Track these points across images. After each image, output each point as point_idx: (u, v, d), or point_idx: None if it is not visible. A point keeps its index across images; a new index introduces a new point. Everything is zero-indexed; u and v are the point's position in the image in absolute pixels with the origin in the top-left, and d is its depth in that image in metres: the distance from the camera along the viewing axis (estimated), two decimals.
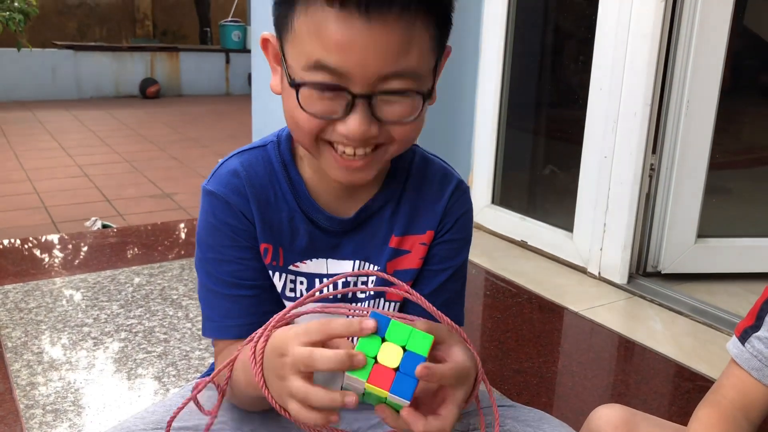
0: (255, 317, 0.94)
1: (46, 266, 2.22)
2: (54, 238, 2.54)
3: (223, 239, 0.93)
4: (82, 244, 2.46)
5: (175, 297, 1.98)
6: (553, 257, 2.38)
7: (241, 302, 0.94)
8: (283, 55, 0.81)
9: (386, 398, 0.69)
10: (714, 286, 2.16)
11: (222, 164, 0.95)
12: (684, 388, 1.59)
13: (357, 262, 0.96)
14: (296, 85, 0.79)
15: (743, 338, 0.93)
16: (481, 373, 0.80)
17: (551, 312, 1.99)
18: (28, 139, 5.23)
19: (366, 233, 0.96)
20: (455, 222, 0.99)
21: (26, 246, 2.42)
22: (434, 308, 0.79)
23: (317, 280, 0.95)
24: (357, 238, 0.96)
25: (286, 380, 0.72)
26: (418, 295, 0.80)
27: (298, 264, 0.95)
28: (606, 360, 1.77)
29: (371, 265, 0.96)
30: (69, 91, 7.40)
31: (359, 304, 0.97)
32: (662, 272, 2.18)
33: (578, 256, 2.30)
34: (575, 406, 1.52)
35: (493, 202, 2.64)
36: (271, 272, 0.95)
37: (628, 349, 1.80)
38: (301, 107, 0.80)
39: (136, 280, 2.10)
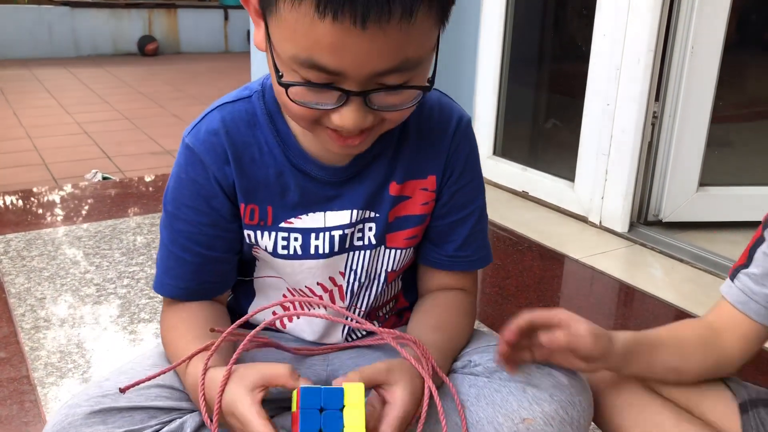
0: (192, 284, 0.93)
1: (48, 216, 2.22)
2: (55, 189, 2.54)
3: (184, 196, 0.90)
4: (83, 195, 2.46)
5: None
6: (554, 207, 2.38)
7: (183, 265, 0.92)
8: (268, 33, 0.74)
9: None
10: (714, 234, 2.16)
11: (204, 117, 0.91)
12: None
13: (357, 211, 0.93)
14: (284, 86, 0.75)
15: (733, 276, 0.94)
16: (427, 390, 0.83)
17: (552, 260, 1.99)
18: (26, 97, 5.19)
19: (364, 181, 0.92)
20: (465, 163, 0.96)
21: (27, 197, 2.43)
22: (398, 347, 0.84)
23: (313, 235, 0.93)
24: (355, 187, 0.92)
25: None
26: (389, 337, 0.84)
27: (291, 220, 0.92)
28: (606, 305, 1.78)
29: (371, 213, 0.94)
30: (66, 49, 7.32)
31: (356, 253, 0.95)
32: (663, 221, 2.18)
33: (579, 206, 2.29)
34: None
35: (494, 153, 2.62)
36: (258, 233, 0.93)
37: (628, 294, 1.81)
38: (292, 101, 0.76)
39: (138, 229, 2.10)
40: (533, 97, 2.85)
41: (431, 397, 0.85)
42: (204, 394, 0.81)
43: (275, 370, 0.78)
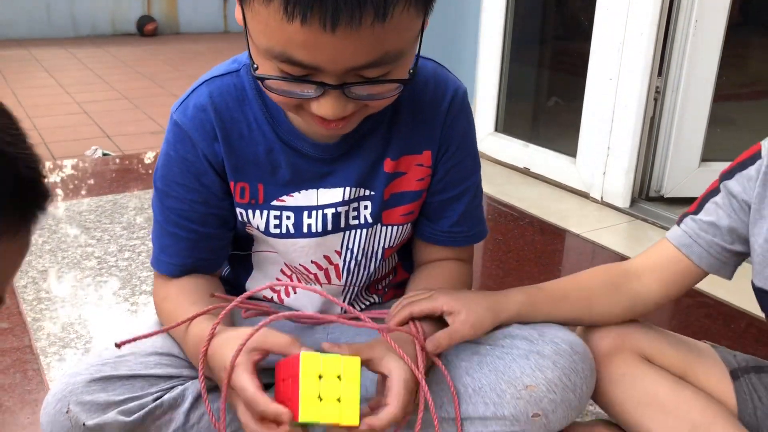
0: (188, 261, 0.93)
1: None
2: (56, 164, 2.53)
3: (174, 174, 0.89)
4: (84, 171, 2.45)
5: None
6: (555, 183, 2.37)
7: (178, 242, 0.92)
8: (245, 20, 0.73)
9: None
10: None
11: (192, 91, 0.89)
12: (684, 304, 1.61)
13: (350, 188, 0.91)
14: (260, 78, 0.74)
15: (680, 221, 0.94)
16: (422, 384, 0.83)
17: (553, 234, 1.99)
18: (25, 77, 5.16)
19: (357, 157, 0.90)
20: (460, 137, 0.94)
21: None
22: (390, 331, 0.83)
23: (306, 213, 0.91)
24: (348, 164, 0.90)
25: (230, 397, 0.78)
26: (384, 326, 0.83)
27: (283, 198, 0.91)
28: None
29: (365, 191, 0.92)
30: (65, 29, 7.27)
31: (353, 232, 0.95)
32: (665, 196, 2.18)
33: (581, 182, 2.29)
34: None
35: (496, 129, 2.61)
36: (249, 212, 0.92)
37: None
38: (270, 91, 0.76)
39: (138, 204, 2.10)
40: (535, 74, 2.83)
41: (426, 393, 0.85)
42: (206, 352, 0.81)
43: (277, 338, 0.78)
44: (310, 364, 0.74)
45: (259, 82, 0.76)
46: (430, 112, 0.91)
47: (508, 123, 2.63)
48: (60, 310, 1.48)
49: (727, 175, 0.91)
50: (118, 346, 0.87)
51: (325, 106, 0.74)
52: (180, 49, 6.78)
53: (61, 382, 0.87)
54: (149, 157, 2.70)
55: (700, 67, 2.05)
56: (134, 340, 0.89)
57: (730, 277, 0.94)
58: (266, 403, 0.73)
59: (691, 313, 1.56)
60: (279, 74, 0.72)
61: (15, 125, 0.46)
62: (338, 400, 0.74)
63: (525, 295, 0.94)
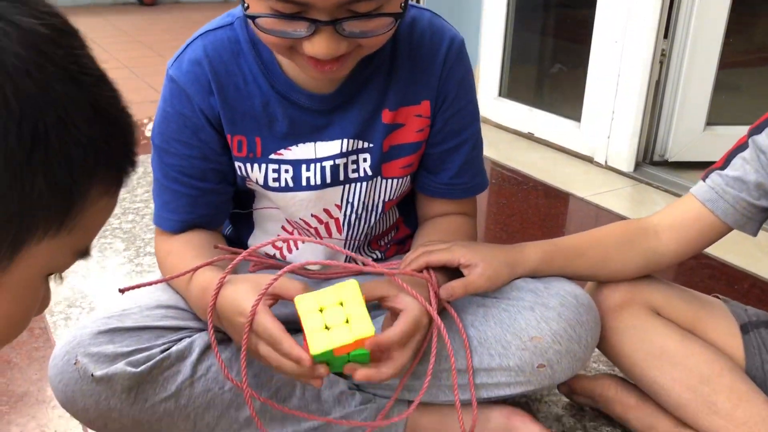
0: (190, 217, 0.93)
1: None
2: None
3: (172, 130, 0.89)
4: None
5: None
6: (559, 148, 2.36)
7: (179, 198, 0.92)
8: None
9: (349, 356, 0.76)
10: None
11: (187, 46, 0.89)
12: (687, 266, 1.61)
13: (348, 140, 0.91)
14: (251, 17, 0.74)
15: (705, 177, 0.94)
16: (435, 321, 0.84)
17: (557, 198, 1.99)
18: None
19: (354, 109, 0.90)
20: (458, 86, 0.93)
21: None
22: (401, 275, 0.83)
23: (304, 166, 0.91)
24: (345, 115, 0.90)
25: (251, 341, 0.78)
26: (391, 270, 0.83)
27: (281, 152, 0.91)
28: None
29: (364, 143, 0.92)
30: None
31: (353, 185, 0.94)
32: (669, 160, 2.16)
33: (585, 146, 2.28)
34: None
35: (500, 94, 2.59)
36: (248, 165, 0.91)
37: None
38: (262, 31, 0.75)
39: (141, 168, 2.09)
40: (539, 41, 2.81)
41: (440, 332, 0.86)
42: (215, 300, 0.81)
43: (288, 283, 0.78)
44: (306, 303, 0.75)
45: (251, 23, 0.75)
46: (427, 62, 0.91)
47: (512, 88, 2.61)
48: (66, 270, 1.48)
49: (756, 130, 0.90)
50: (121, 291, 0.88)
51: (317, 45, 0.73)
52: (180, 18, 6.73)
53: (69, 335, 0.88)
54: (151, 125, 2.69)
55: (706, 29, 2.03)
56: (138, 287, 0.89)
57: (755, 233, 0.94)
58: (291, 345, 0.73)
59: (695, 274, 1.57)
60: (270, 12, 0.72)
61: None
62: (347, 321, 0.74)
63: (542, 253, 0.94)
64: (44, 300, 0.47)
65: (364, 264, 0.87)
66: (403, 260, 0.91)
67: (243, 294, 0.78)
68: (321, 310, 0.75)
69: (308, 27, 0.72)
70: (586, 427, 1.05)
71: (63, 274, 0.47)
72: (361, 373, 0.77)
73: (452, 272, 0.90)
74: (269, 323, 0.75)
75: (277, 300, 0.79)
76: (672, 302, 0.97)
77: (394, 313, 0.83)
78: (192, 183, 0.91)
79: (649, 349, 0.94)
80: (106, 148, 0.42)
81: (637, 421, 1.00)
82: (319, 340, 0.73)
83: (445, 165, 0.97)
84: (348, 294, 0.76)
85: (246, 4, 0.74)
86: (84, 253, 0.46)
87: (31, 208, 0.39)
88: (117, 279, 1.46)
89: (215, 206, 0.95)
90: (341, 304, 0.75)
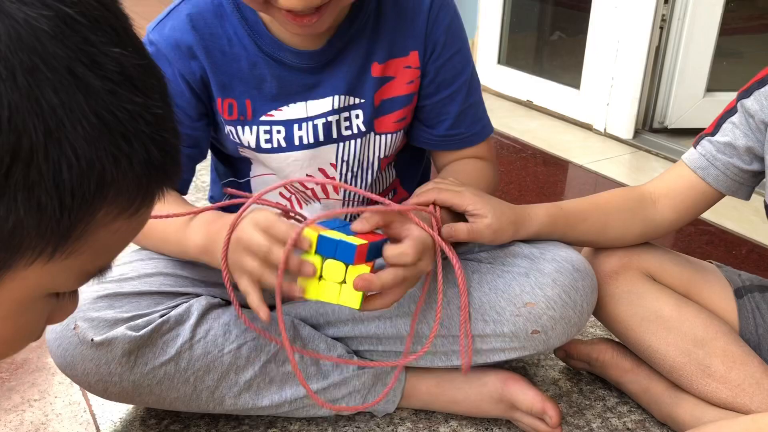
0: None
1: None
2: None
3: None
4: None
5: None
6: (558, 116, 2.35)
7: None
8: None
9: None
10: None
11: (170, 12, 0.87)
12: (686, 232, 1.61)
13: (339, 97, 0.90)
14: None
15: (697, 143, 0.93)
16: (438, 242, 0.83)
17: (555, 165, 1.98)
18: None
19: (344, 64, 0.89)
20: (446, 33, 0.92)
21: None
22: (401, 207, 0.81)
23: (296, 126, 0.91)
24: (335, 72, 0.89)
25: (242, 257, 0.75)
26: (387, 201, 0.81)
27: (272, 113, 0.90)
28: None
29: (355, 99, 0.91)
30: None
31: (346, 143, 0.94)
32: (669, 127, 2.15)
33: (584, 113, 2.27)
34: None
35: (499, 62, 2.57)
36: (239, 129, 0.90)
37: None
38: None
39: None
40: (539, 7, 2.77)
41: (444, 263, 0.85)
42: (228, 241, 0.78)
43: (282, 219, 0.76)
44: (326, 243, 0.74)
45: None
46: (412, 11, 0.90)
47: (511, 56, 2.59)
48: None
49: (745, 93, 0.89)
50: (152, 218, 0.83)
51: None
52: None
53: None
54: None
55: None
56: (168, 216, 0.83)
57: (747, 197, 0.94)
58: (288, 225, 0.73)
59: (693, 241, 1.57)
60: None
61: (162, 99, 0.38)
62: (343, 281, 0.74)
63: (547, 217, 0.93)
64: (57, 313, 0.42)
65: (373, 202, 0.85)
66: (413, 194, 0.90)
67: (269, 215, 0.77)
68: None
69: None
70: (582, 391, 1.06)
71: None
72: (391, 251, 0.76)
73: (458, 216, 0.89)
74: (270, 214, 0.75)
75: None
76: (667, 268, 0.97)
77: (397, 241, 0.81)
78: None
79: (644, 314, 0.94)
80: (115, 170, 0.35)
81: (633, 384, 1.01)
82: (311, 288, 0.74)
83: (441, 117, 0.96)
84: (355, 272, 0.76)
85: None
86: (101, 272, 0.41)
87: (9, 236, 0.34)
88: None
89: (185, 170, 0.93)
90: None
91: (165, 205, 0.85)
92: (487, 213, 0.86)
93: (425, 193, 0.88)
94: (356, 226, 0.78)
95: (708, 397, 0.91)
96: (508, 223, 0.89)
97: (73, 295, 0.42)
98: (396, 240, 0.80)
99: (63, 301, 0.41)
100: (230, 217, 0.79)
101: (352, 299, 0.75)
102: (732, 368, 0.89)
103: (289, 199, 1.00)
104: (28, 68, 0.32)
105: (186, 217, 0.84)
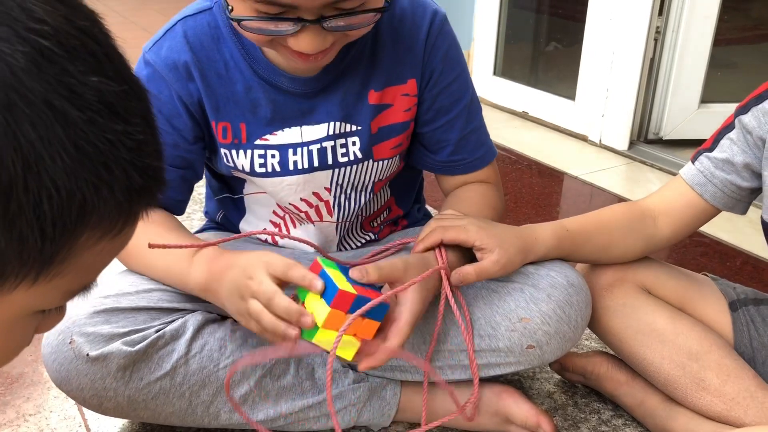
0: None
1: None
2: None
3: None
4: None
5: None
6: (554, 127, 2.36)
7: None
8: None
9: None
10: None
11: (166, 32, 0.88)
12: (681, 243, 1.61)
13: (335, 123, 0.90)
14: (236, 20, 0.74)
15: (695, 159, 0.94)
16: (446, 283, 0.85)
17: (551, 177, 1.99)
18: None
19: (340, 91, 0.89)
20: (443, 61, 0.92)
21: None
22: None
23: (291, 151, 0.91)
24: (330, 98, 0.89)
25: (246, 301, 0.77)
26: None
27: (267, 137, 0.90)
28: None
29: (352, 126, 0.91)
30: None
31: (342, 169, 0.94)
32: (663, 138, 2.16)
33: (580, 124, 2.28)
34: None
35: (494, 73, 2.58)
36: (233, 152, 0.91)
37: None
38: (246, 31, 0.75)
39: None
40: (534, 19, 2.79)
41: (447, 301, 0.86)
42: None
43: (295, 267, 0.77)
44: (328, 267, 0.76)
45: (235, 23, 0.75)
46: (410, 39, 0.90)
47: (506, 67, 2.60)
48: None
49: (742, 109, 0.90)
50: (150, 246, 0.82)
51: (303, 42, 0.74)
52: (174, 0, 6.68)
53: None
54: None
55: (701, 6, 2.02)
56: (166, 246, 0.83)
57: (744, 212, 0.95)
58: (290, 302, 0.74)
59: (687, 252, 1.58)
60: (255, 14, 0.72)
61: (144, 121, 0.38)
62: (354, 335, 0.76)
63: (554, 239, 0.93)
64: (45, 324, 0.43)
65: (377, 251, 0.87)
66: (419, 233, 0.90)
67: (258, 261, 0.78)
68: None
69: (294, 25, 0.72)
70: (577, 404, 1.06)
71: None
72: (366, 363, 0.79)
73: (465, 250, 0.89)
74: (269, 282, 0.76)
75: (285, 286, 0.78)
76: (662, 281, 0.98)
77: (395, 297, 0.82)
78: None
79: (639, 327, 0.94)
80: (96, 198, 0.35)
81: (628, 397, 1.01)
82: (308, 330, 0.75)
83: (441, 143, 0.97)
84: (367, 330, 0.78)
85: (230, 6, 0.74)
86: (86, 289, 0.41)
87: None
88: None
89: (182, 192, 0.94)
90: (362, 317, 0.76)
91: (166, 232, 0.87)
92: (494, 247, 0.86)
93: (430, 235, 0.87)
94: (354, 274, 0.78)
95: (702, 410, 0.91)
96: (516, 252, 0.88)
97: (60, 308, 0.43)
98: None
99: (50, 314, 0.42)
100: (231, 255, 0.81)
101: (347, 351, 0.76)
102: (726, 381, 0.89)
103: (282, 218, 1.01)
104: (5, 105, 0.32)
105: (188, 249, 0.85)
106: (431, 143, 0.97)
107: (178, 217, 0.95)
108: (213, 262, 0.82)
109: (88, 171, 0.34)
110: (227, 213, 1.06)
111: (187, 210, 0.98)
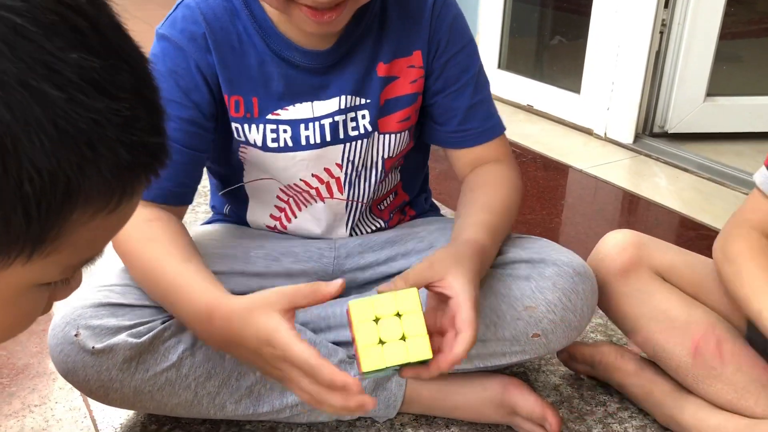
0: (172, 185, 0.87)
1: None
2: None
3: (162, 90, 0.83)
4: None
5: None
6: (559, 120, 2.35)
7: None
8: None
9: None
10: (721, 145, 2.13)
11: (178, 6, 0.87)
12: (687, 237, 1.61)
13: (346, 97, 0.91)
14: None
15: None
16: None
17: (555, 170, 1.98)
18: None
19: (350, 65, 0.90)
20: (449, 31, 0.93)
21: None
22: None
23: (302, 126, 0.91)
24: (342, 73, 0.90)
25: (284, 372, 0.72)
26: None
27: (278, 112, 0.90)
28: (609, 213, 1.78)
29: (361, 99, 0.91)
30: None
31: (352, 143, 0.93)
32: (669, 132, 2.16)
33: (585, 118, 2.27)
34: (578, 252, 1.54)
35: (499, 66, 2.58)
36: (245, 126, 0.90)
37: (632, 203, 1.81)
38: None
39: None
40: (539, 12, 2.78)
41: None
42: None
43: (298, 290, 0.73)
44: (360, 310, 0.70)
45: None
46: (416, 12, 0.91)
47: (511, 60, 2.59)
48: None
49: None
50: None
51: None
52: None
53: (68, 306, 0.88)
54: None
55: None
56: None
57: None
58: (332, 372, 0.67)
59: (693, 245, 1.56)
60: None
61: (136, 95, 0.37)
62: (403, 338, 0.70)
63: None
64: (59, 293, 0.43)
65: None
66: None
67: (268, 321, 0.72)
68: (376, 320, 0.71)
69: None
70: (583, 396, 1.06)
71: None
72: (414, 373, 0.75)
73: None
74: (306, 352, 0.68)
75: (294, 313, 0.74)
76: (677, 268, 0.97)
77: (441, 299, 0.78)
78: (179, 148, 0.86)
79: (653, 313, 0.95)
80: (81, 178, 0.34)
81: (636, 387, 1.01)
82: (371, 358, 0.69)
83: (450, 112, 0.96)
84: (406, 305, 0.71)
85: None
86: (89, 262, 0.41)
87: None
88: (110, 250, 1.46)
89: (194, 178, 0.92)
90: (398, 314, 0.71)
91: (182, 265, 0.80)
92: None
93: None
94: (383, 287, 0.76)
95: (713, 398, 0.91)
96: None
97: (69, 279, 0.42)
98: (438, 296, 0.78)
99: (59, 286, 0.42)
100: (229, 330, 0.75)
101: (422, 349, 0.71)
102: (738, 370, 0.89)
103: (287, 201, 1.00)
104: None
105: (207, 299, 0.79)
106: (441, 113, 0.97)
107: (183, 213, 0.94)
108: (231, 326, 0.75)
109: (70, 151, 0.33)
110: (232, 205, 1.06)
111: (193, 203, 0.97)
